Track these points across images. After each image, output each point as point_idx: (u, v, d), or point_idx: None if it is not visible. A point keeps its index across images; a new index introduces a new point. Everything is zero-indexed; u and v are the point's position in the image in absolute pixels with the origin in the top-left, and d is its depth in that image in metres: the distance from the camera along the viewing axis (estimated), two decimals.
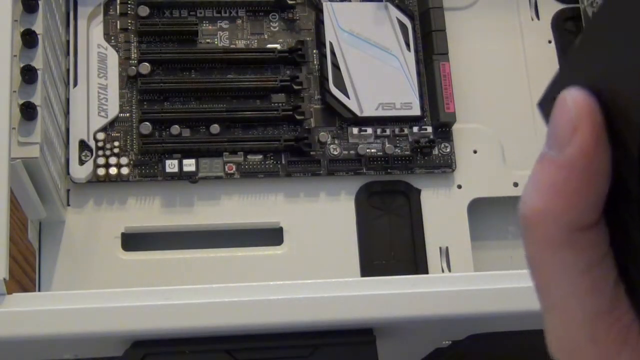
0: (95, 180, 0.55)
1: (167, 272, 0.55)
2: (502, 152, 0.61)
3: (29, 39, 0.46)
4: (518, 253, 0.61)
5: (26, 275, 0.48)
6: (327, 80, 0.58)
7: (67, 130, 0.55)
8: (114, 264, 0.55)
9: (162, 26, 0.58)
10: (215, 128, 0.56)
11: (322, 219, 0.57)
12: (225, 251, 0.56)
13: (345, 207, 0.58)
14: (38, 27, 0.47)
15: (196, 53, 0.58)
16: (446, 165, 0.59)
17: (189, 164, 0.56)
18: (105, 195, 0.56)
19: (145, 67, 0.57)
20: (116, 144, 0.56)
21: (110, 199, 0.56)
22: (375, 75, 0.59)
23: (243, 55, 0.58)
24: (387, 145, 0.58)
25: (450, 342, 0.51)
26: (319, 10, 0.60)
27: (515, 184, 0.60)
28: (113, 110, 0.56)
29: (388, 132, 0.59)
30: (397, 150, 0.58)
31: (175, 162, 0.55)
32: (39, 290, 0.53)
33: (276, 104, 0.58)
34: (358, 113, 0.58)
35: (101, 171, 0.55)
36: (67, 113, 0.56)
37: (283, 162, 0.57)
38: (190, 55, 0.58)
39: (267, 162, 0.57)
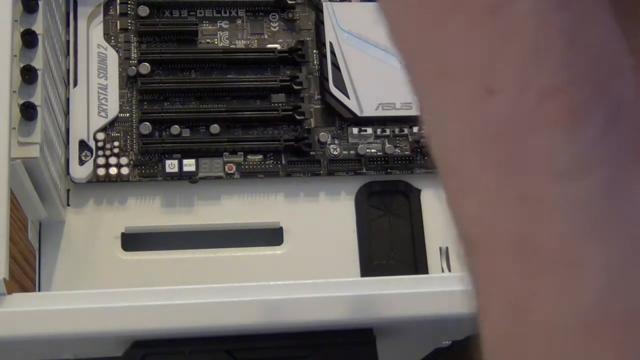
0: (95, 180, 0.55)
1: (167, 272, 0.55)
2: None
3: (29, 39, 0.46)
4: None
5: (26, 275, 0.48)
6: (327, 80, 0.58)
7: (67, 130, 0.55)
8: (114, 264, 0.55)
9: (162, 26, 0.58)
10: (215, 128, 0.56)
11: (322, 219, 0.57)
12: (225, 251, 0.56)
13: (345, 207, 0.58)
14: (38, 27, 0.47)
15: (196, 53, 0.58)
16: None
17: (189, 164, 0.56)
18: (105, 195, 0.56)
19: (145, 67, 0.57)
20: (116, 144, 0.56)
21: (110, 199, 0.56)
22: (375, 75, 0.59)
23: (243, 55, 0.58)
24: (387, 145, 0.58)
25: (450, 342, 0.51)
26: (319, 10, 0.60)
27: None
28: (113, 110, 0.56)
29: (388, 132, 0.59)
30: (397, 150, 0.58)
31: (175, 162, 0.55)
32: (39, 290, 0.53)
33: (276, 104, 0.58)
34: (358, 113, 0.58)
35: (101, 171, 0.55)
36: (67, 113, 0.56)
37: (283, 162, 0.57)
38: (190, 55, 0.58)
39: (267, 162, 0.57)
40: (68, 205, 0.55)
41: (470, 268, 0.21)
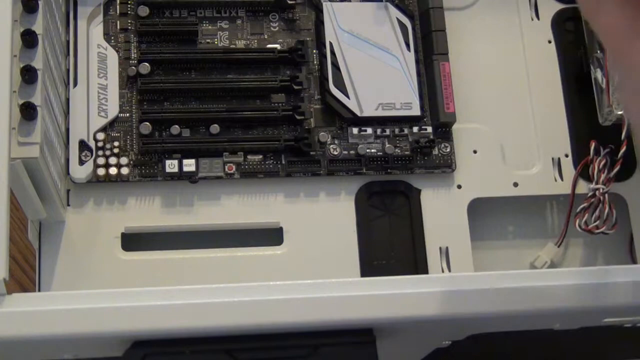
0: (95, 181, 0.55)
1: (167, 272, 0.55)
2: (502, 152, 0.61)
3: (29, 39, 0.46)
4: (518, 253, 0.61)
5: (26, 275, 0.48)
6: (327, 80, 0.58)
7: (67, 130, 0.55)
8: (114, 264, 0.55)
9: (162, 26, 0.58)
10: (215, 128, 0.56)
11: (322, 219, 0.57)
12: (225, 251, 0.56)
13: (345, 207, 0.58)
14: (38, 27, 0.47)
15: (196, 53, 0.58)
16: (446, 166, 0.59)
17: (189, 164, 0.56)
18: (105, 195, 0.56)
19: (145, 67, 0.57)
20: (116, 144, 0.56)
21: (110, 199, 0.56)
22: (375, 75, 0.59)
23: (243, 55, 0.58)
24: (387, 145, 0.58)
25: (450, 342, 0.51)
26: (319, 10, 0.60)
27: (515, 184, 0.60)
28: (113, 110, 0.56)
29: (388, 132, 0.59)
30: (397, 150, 0.58)
31: (175, 162, 0.55)
32: (39, 290, 0.53)
33: (276, 104, 0.58)
34: (358, 113, 0.58)
35: (101, 171, 0.55)
36: (67, 113, 0.56)
37: (283, 162, 0.57)
38: (190, 55, 0.58)
39: (267, 162, 0.57)
40: (68, 205, 0.55)
41: None
